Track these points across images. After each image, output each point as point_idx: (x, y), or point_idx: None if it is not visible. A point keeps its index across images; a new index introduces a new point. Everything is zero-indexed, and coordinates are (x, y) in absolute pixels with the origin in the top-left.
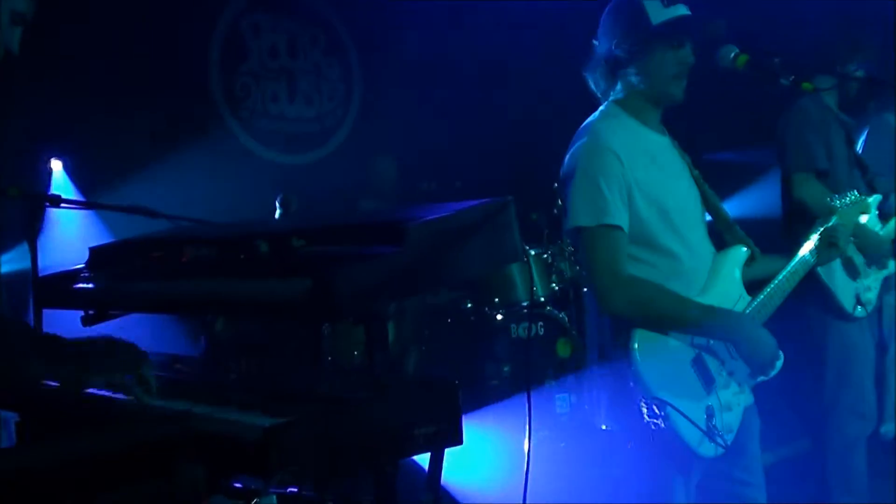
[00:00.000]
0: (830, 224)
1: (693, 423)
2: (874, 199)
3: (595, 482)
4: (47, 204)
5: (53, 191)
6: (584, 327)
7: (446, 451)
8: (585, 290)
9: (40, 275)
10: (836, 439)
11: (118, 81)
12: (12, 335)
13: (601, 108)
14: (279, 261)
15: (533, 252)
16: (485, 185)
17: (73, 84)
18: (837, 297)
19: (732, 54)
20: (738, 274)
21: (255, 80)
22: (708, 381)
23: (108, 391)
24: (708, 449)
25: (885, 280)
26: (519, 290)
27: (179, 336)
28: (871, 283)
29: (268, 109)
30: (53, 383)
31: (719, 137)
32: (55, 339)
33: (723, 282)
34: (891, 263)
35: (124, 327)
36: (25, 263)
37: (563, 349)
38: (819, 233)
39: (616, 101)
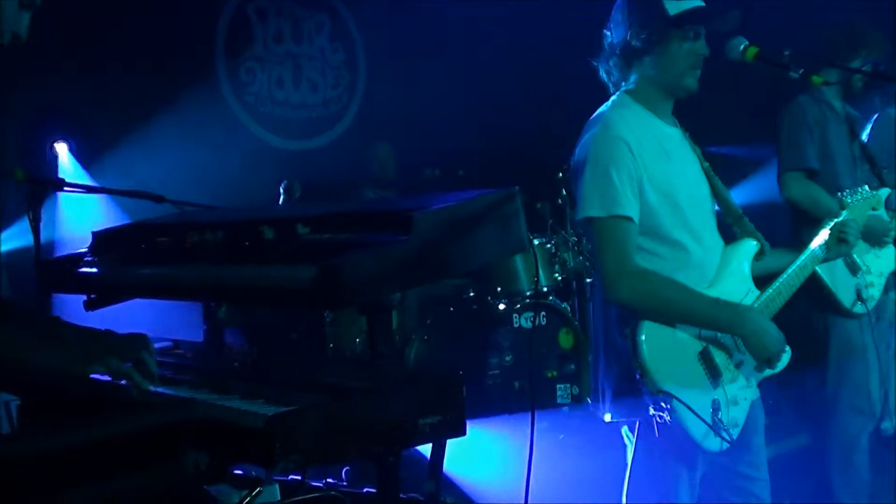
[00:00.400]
0: (841, 219)
1: (699, 416)
2: (883, 193)
3: (598, 475)
4: (51, 188)
5: (60, 174)
6: (587, 318)
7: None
8: (589, 280)
9: (42, 258)
10: (838, 436)
11: (124, 66)
12: (15, 321)
13: (613, 97)
14: (284, 247)
15: (537, 242)
16: (488, 173)
17: (80, 68)
18: (836, 293)
19: (742, 46)
20: (747, 267)
21: (260, 65)
22: (715, 375)
23: (110, 377)
24: (713, 443)
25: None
26: (522, 279)
27: (182, 322)
28: (872, 279)
29: (273, 95)
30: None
31: (728, 130)
32: (57, 325)
33: (732, 275)
34: (889, 249)
35: (127, 312)
36: (28, 240)
37: (565, 340)
38: (829, 227)
39: (628, 92)
